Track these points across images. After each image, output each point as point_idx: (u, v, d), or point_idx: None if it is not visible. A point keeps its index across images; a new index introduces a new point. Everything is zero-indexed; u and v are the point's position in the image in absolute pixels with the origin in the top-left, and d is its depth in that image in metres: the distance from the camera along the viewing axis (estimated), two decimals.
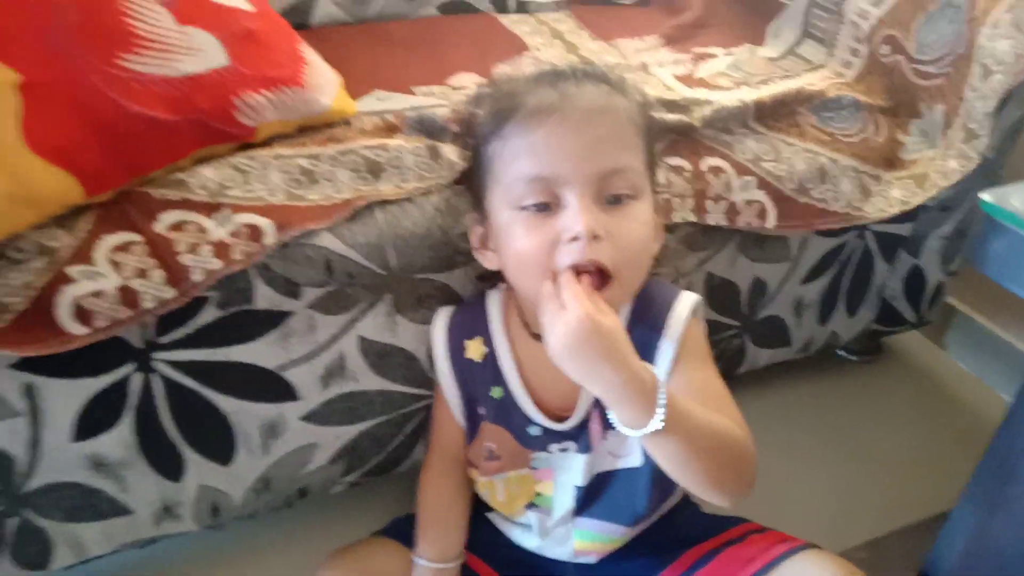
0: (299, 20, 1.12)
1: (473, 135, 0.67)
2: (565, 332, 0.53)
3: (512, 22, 1.19)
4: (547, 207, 0.61)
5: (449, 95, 0.92)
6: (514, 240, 0.62)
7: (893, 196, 0.86)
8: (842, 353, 1.18)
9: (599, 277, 0.59)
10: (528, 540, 0.75)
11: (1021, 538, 0.62)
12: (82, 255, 0.61)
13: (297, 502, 0.83)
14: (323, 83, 0.79)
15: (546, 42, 1.12)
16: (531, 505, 0.73)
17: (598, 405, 0.68)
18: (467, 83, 0.96)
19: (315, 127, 0.79)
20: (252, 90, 0.71)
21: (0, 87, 0.58)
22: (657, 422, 0.53)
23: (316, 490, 0.83)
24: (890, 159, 0.89)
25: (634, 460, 0.70)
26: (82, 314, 0.60)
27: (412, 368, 0.78)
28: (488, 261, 0.69)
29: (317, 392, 0.75)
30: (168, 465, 0.73)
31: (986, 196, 0.50)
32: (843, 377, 1.15)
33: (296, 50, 0.79)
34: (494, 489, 0.74)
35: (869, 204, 0.86)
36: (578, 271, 0.58)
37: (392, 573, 0.73)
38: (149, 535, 0.77)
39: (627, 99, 0.65)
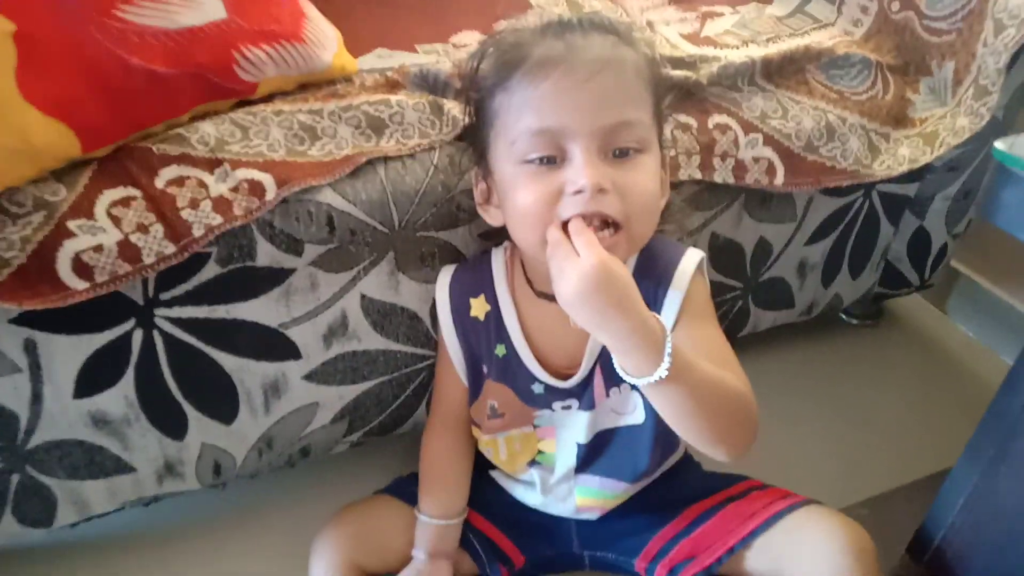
0: None
1: (477, 88, 0.65)
2: (580, 278, 0.53)
3: None
4: (552, 160, 0.60)
5: (452, 53, 0.90)
6: (518, 194, 0.61)
7: (902, 154, 0.85)
8: (844, 316, 1.18)
9: (607, 227, 0.59)
10: (531, 497, 0.76)
11: (1020, 493, 0.62)
12: (82, 209, 0.60)
13: (299, 462, 0.83)
14: (324, 39, 0.77)
15: (550, 0, 1.10)
16: (533, 463, 0.74)
17: (601, 363, 0.68)
18: (470, 41, 0.94)
19: (316, 84, 0.77)
20: (252, 44, 0.70)
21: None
22: (663, 370, 0.53)
23: (318, 450, 0.83)
24: (899, 117, 0.88)
25: (636, 417, 0.70)
26: (82, 268, 0.59)
27: (415, 327, 0.78)
28: (492, 217, 0.68)
29: (319, 351, 0.75)
30: (171, 423, 0.73)
31: (1000, 144, 0.50)
32: (845, 340, 1.15)
33: (296, 5, 0.78)
34: (497, 447, 0.74)
35: (877, 162, 0.85)
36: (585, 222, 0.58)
37: (395, 530, 0.73)
38: (152, 493, 0.77)
39: (635, 50, 0.64)
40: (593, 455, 0.71)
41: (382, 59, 0.88)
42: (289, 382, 0.75)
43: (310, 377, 0.76)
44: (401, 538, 0.73)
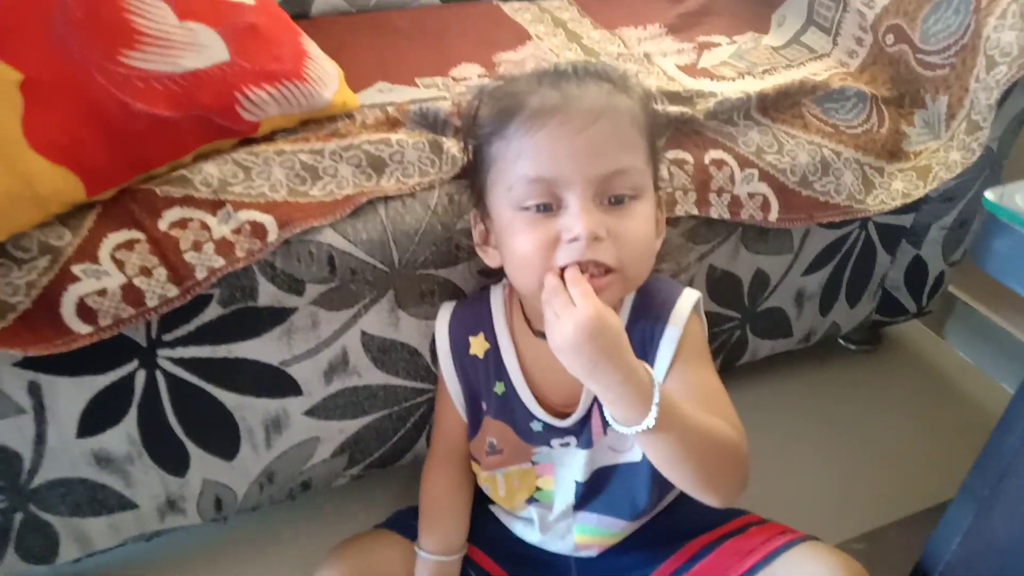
0: (299, 10, 1.12)
1: (475, 135, 0.66)
2: (574, 327, 0.54)
3: (514, 10, 1.18)
4: (548, 208, 0.61)
5: (452, 87, 0.92)
6: (516, 240, 0.62)
7: (895, 188, 0.86)
8: (843, 342, 1.18)
9: (600, 273, 0.60)
10: (530, 534, 0.76)
11: (1017, 534, 0.63)
12: (86, 253, 0.61)
13: (300, 495, 0.84)
14: (325, 77, 0.78)
15: (548, 31, 1.11)
16: (532, 500, 0.74)
17: (598, 402, 0.68)
18: (470, 74, 0.96)
19: (317, 120, 0.79)
20: (254, 85, 0.71)
21: (1, 86, 0.58)
22: (651, 420, 0.53)
23: (319, 483, 0.83)
24: (893, 150, 0.89)
25: (634, 455, 0.70)
26: (86, 312, 0.60)
27: (415, 362, 0.79)
28: (490, 258, 0.69)
29: (320, 387, 0.76)
30: (172, 460, 0.73)
31: (989, 195, 0.50)
32: (843, 366, 1.15)
33: (298, 43, 0.79)
34: (495, 483, 0.74)
35: (871, 196, 0.86)
36: (580, 269, 0.58)
37: (394, 565, 0.74)
38: (154, 528, 0.77)
39: (629, 97, 0.64)
40: (591, 493, 0.71)
41: (383, 93, 0.90)
42: (290, 418, 0.76)
43: (311, 413, 0.77)
44: (401, 574, 0.73)
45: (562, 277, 0.58)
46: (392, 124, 0.77)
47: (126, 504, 0.74)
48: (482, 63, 0.98)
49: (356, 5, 1.15)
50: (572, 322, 0.54)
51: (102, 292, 0.61)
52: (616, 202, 0.61)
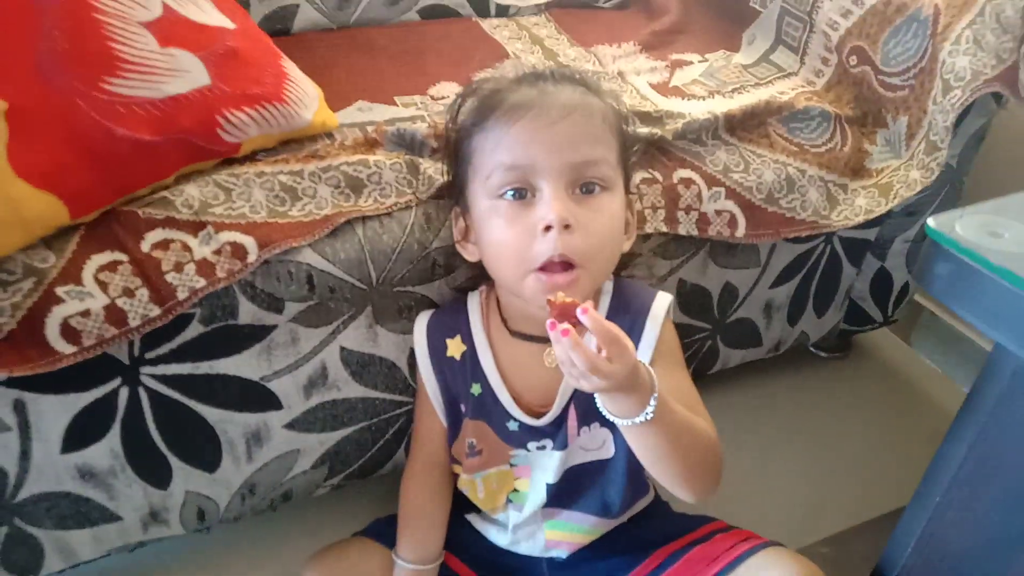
0: (281, 26, 1.13)
1: (457, 129, 0.70)
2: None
3: (493, 27, 1.20)
4: (523, 195, 0.64)
5: (430, 105, 0.94)
6: (493, 229, 0.66)
7: (858, 205, 0.89)
8: (813, 350, 1.22)
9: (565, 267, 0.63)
10: (502, 538, 0.78)
11: (968, 540, 0.66)
12: (70, 275, 0.63)
13: (281, 505, 0.86)
14: (305, 98, 0.80)
15: (526, 48, 1.14)
16: (508, 501, 0.76)
17: (575, 402, 0.71)
18: (448, 92, 0.98)
19: (298, 140, 0.81)
20: (235, 108, 0.73)
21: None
22: (649, 413, 0.56)
23: (300, 494, 0.85)
24: (856, 168, 0.92)
25: (606, 452, 0.73)
26: (70, 333, 0.62)
27: (393, 376, 0.81)
28: (469, 253, 0.72)
29: (300, 401, 0.78)
30: (155, 473, 0.75)
31: (932, 222, 0.53)
32: (813, 373, 1.19)
33: (278, 65, 0.81)
34: (475, 487, 0.76)
35: (835, 212, 0.89)
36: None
37: (373, 572, 0.76)
38: (137, 539, 0.79)
39: (602, 100, 0.69)
40: (563, 490, 0.74)
41: (363, 112, 0.92)
42: (271, 431, 0.78)
43: (291, 426, 0.79)
44: None
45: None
46: (370, 145, 0.80)
47: (110, 516, 0.75)
48: (460, 81, 1.01)
49: (337, 21, 1.17)
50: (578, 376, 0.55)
51: (86, 313, 0.63)
52: (587, 191, 0.65)
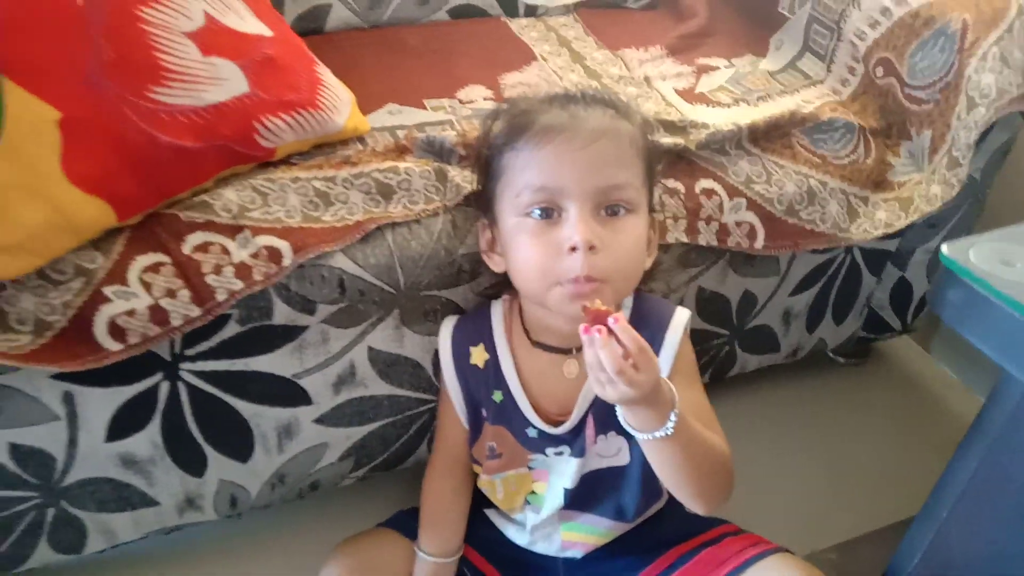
0: (314, 25, 1.16)
1: (489, 146, 0.72)
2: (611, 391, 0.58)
3: (521, 27, 1.22)
4: (550, 214, 0.66)
5: (458, 109, 0.96)
6: (520, 246, 0.68)
7: (878, 218, 0.90)
8: (831, 355, 1.23)
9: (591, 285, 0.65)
10: (520, 537, 0.81)
11: (972, 555, 0.68)
12: (116, 276, 0.67)
13: (309, 494, 0.89)
14: (338, 103, 0.83)
15: (553, 50, 1.15)
16: (526, 503, 0.79)
17: (594, 412, 0.74)
18: (476, 96, 1.00)
19: (330, 144, 0.84)
20: (272, 114, 0.76)
21: (41, 124, 0.63)
22: (669, 428, 0.59)
23: (327, 484, 0.89)
24: (878, 180, 0.93)
25: (621, 459, 0.75)
26: (117, 331, 0.66)
27: (418, 375, 0.84)
28: (495, 264, 0.74)
29: (329, 397, 0.81)
30: (192, 462, 0.79)
31: (945, 248, 0.55)
32: (831, 379, 1.20)
33: (313, 72, 0.84)
34: (494, 487, 0.79)
35: (855, 225, 0.90)
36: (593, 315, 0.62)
37: (395, 563, 0.79)
38: (173, 523, 0.83)
39: (631, 123, 0.71)
40: (579, 494, 0.76)
41: (393, 115, 0.94)
42: (301, 425, 0.82)
43: (320, 420, 0.82)
44: (400, 571, 0.79)
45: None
46: (400, 151, 0.82)
47: (148, 501, 0.80)
48: (488, 84, 1.03)
49: (369, 21, 1.19)
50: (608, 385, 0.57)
51: (131, 312, 0.66)
52: (611, 213, 0.67)
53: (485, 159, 0.73)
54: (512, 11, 1.27)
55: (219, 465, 0.80)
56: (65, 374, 0.68)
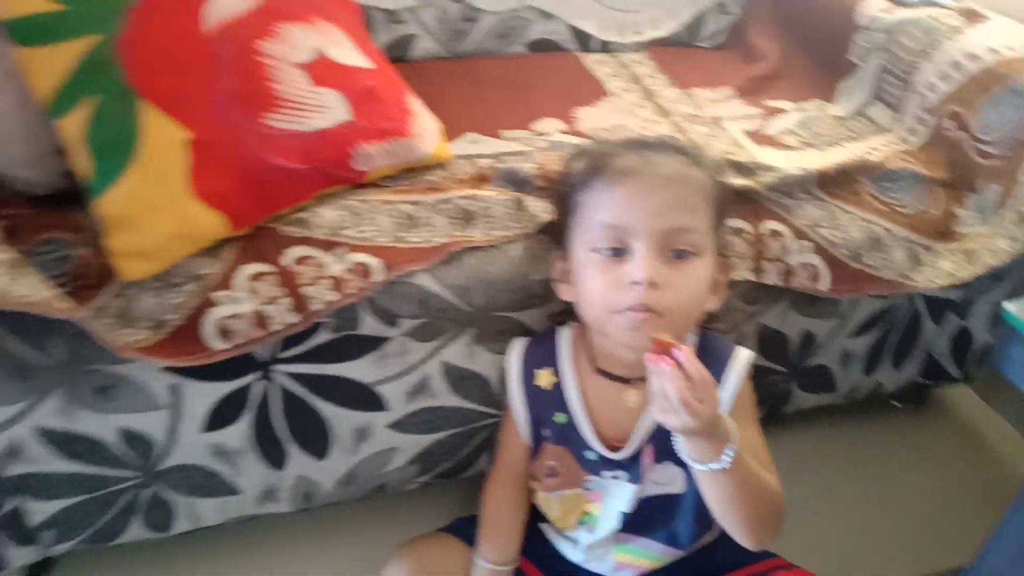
0: (399, 54, 1.23)
1: (567, 183, 0.78)
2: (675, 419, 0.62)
3: (594, 63, 1.27)
4: (618, 252, 0.71)
5: (533, 141, 1.01)
6: (588, 279, 0.73)
7: (942, 268, 0.92)
8: (888, 398, 1.23)
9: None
10: (573, 554, 0.85)
11: None
12: (225, 282, 0.74)
13: (376, 495, 0.95)
14: (426, 133, 0.90)
15: (625, 87, 1.20)
16: (580, 522, 0.83)
17: (654, 440, 0.77)
18: (550, 128, 1.05)
19: (416, 169, 0.90)
20: (367, 141, 0.83)
21: (174, 144, 0.71)
22: (725, 462, 0.63)
23: (393, 486, 0.94)
24: (944, 231, 0.94)
25: (677, 487, 0.79)
26: (223, 332, 0.73)
27: (485, 390, 0.89)
28: (564, 293, 0.79)
29: (402, 405, 0.87)
30: (274, 456, 0.85)
31: (1009, 307, 0.57)
32: (886, 423, 1.20)
33: (404, 103, 0.90)
34: (550, 504, 0.83)
35: (919, 273, 0.92)
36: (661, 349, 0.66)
37: (454, 568, 0.83)
38: (252, 512, 0.90)
39: (702, 170, 0.75)
40: (634, 518, 0.80)
41: (473, 144, 1.00)
42: (374, 429, 0.87)
43: (393, 426, 0.88)
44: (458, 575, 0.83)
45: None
46: (481, 179, 0.88)
47: (233, 490, 0.86)
48: (562, 118, 1.07)
49: (451, 51, 1.26)
50: (671, 411, 0.61)
51: (237, 316, 0.73)
52: (678, 256, 0.71)
53: (563, 194, 0.79)
54: (586, 47, 1.32)
55: (298, 461, 0.87)
56: (174, 368, 0.75)
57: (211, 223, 0.73)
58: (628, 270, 0.69)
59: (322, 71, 0.81)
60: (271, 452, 0.85)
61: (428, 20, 1.23)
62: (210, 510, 0.87)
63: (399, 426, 0.88)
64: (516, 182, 0.87)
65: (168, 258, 0.72)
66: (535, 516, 0.88)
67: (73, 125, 0.70)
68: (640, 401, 0.77)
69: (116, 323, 0.71)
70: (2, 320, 0.68)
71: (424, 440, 0.91)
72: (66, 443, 0.77)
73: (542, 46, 1.31)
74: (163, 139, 0.70)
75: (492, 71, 1.22)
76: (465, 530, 0.87)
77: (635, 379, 0.77)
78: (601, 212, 0.72)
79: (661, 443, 0.76)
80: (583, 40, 1.32)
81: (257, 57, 0.78)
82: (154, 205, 0.70)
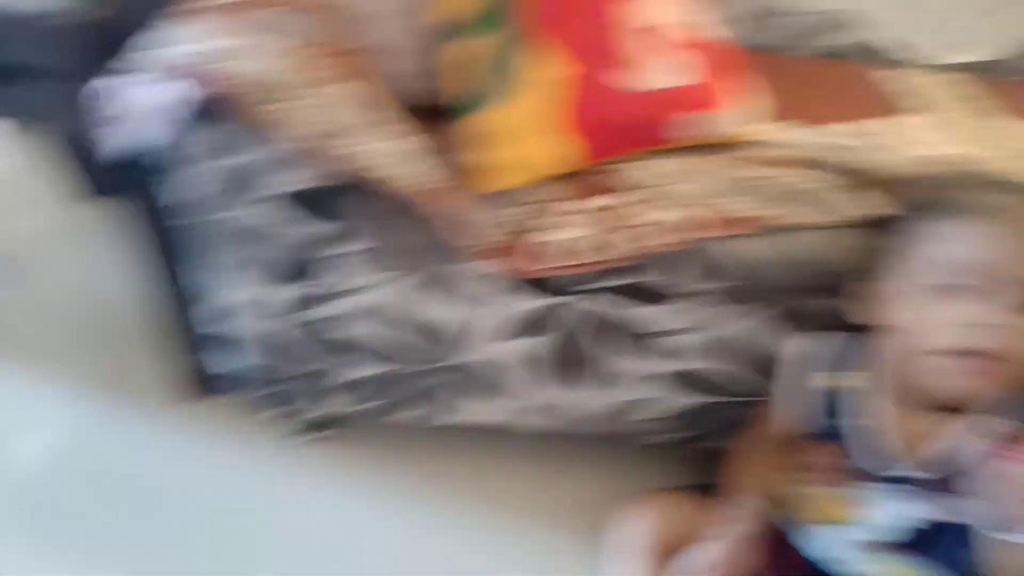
0: None
1: (910, 207, 0.76)
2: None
3: (904, 76, 1.21)
4: (956, 290, 0.68)
5: (861, 138, 0.98)
6: (910, 309, 0.71)
7: None
8: None
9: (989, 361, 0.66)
10: (827, 551, 0.81)
11: None
12: (564, 209, 0.82)
13: (627, 441, 1.00)
14: (749, 109, 0.94)
15: (952, 107, 1.13)
16: (838, 524, 0.80)
17: (936, 468, 0.73)
18: (876, 131, 1.01)
19: (731, 144, 0.93)
20: (704, 108, 0.89)
21: (563, 78, 0.80)
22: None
23: (647, 435, 0.98)
24: None
25: (954, 518, 0.74)
26: (559, 252, 0.81)
27: (766, 365, 0.88)
28: (860, 313, 0.77)
29: (688, 360, 0.89)
30: (558, 377, 0.91)
31: None
32: None
33: (737, 78, 0.94)
34: (810, 498, 0.81)
35: None
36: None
37: (697, 524, 0.83)
38: (510, 423, 0.97)
39: None
40: (909, 538, 0.76)
41: (794, 132, 1.00)
42: (656, 376, 0.91)
43: (675, 377, 0.91)
44: (696, 533, 0.82)
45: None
46: (807, 164, 0.89)
47: (506, 394, 0.93)
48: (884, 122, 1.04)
49: (749, 42, 1.24)
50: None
51: (570, 239, 0.81)
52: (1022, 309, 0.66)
53: (903, 218, 0.76)
54: (908, 62, 1.26)
55: (573, 389, 0.92)
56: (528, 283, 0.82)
57: (573, 151, 0.81)
58: (967, 308, 0.66)
59: (671, 38, 0.87)
60: (555, 372, 0.91)
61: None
62: (474, 410, 0.95)
63: (678, 379, 0.91)
64: (841, 173, 0.87)
65: (533, 175, 0.81)
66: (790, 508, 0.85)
67: (466, 50, 0.81)
68: (933, 429, 0.73)
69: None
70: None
71: (697, 400, 0.93)
72: (399, 322, 0.87)
73: (841, 53, 1.26)
74: (549, 72, 0.80)
75: (796, 65, 1.21)
76: (706, 491, 0.88)
77: (935, 409, 0.73)
78: (945, 246, 0.69)
79: (948, 473, 0.72)
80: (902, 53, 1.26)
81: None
82: (533, 127, 0.80)
